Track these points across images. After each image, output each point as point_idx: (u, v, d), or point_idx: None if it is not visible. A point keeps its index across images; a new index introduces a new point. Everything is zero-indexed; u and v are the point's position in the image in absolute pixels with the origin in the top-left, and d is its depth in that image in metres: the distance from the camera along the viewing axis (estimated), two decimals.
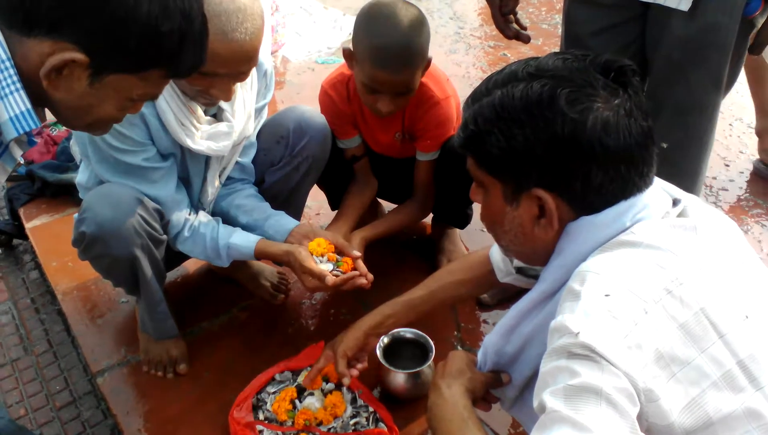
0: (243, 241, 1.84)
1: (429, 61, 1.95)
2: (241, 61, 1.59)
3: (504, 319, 1.29)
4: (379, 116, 2.01)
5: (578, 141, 1.07)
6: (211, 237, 1.85)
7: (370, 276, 1.82)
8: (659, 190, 1.16)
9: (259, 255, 1.85)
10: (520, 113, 1.09)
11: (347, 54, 1.94)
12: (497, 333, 1.31)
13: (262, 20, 1.60)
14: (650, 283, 1.01)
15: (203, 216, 1.90)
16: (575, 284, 1.04)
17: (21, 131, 1.08)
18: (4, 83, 1.05)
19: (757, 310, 1.05)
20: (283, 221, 1.92)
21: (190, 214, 1.86)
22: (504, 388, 1.34)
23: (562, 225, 1.14)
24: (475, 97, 1.18)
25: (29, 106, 1.08)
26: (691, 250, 1.06)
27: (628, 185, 1.10)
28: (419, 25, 1.85)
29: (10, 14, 1.04)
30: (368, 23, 1.87)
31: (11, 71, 1.05)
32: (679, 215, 1.14)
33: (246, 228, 1.92)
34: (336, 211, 2.45)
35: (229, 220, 1.95)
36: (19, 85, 1.06)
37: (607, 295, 1.00)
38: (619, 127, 1.07)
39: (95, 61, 1.07)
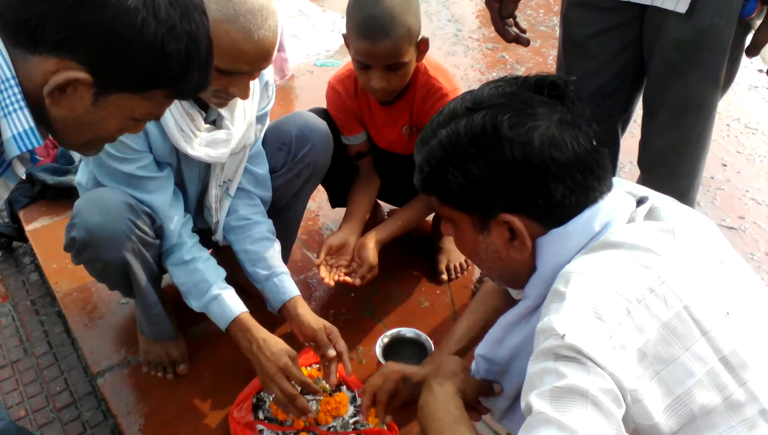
0: (230, 302, 1.81)
1: (424, 42, 1.97)
2: (264, 58, 1.60)
3: (492, 330, 1.31)
4: (376, 97, 2.05)
5: (530, 161, 1.10)
6: (203, 278, 1.81)
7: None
8: (621, 192, 1.18)
9: (231, 329, 1.80)
10: (469, 147, 1.13)
11: (345, 38, 1.99)
12: (486, 344, 1.33)
13: (278, 16, 1.61)
14: (633, 282, 1.02)
15: (206, 257, 1.86)
16: (560, 286, 1.05)
17: (24, 149, 1.07)
18: (8, 101, 1.04)
19: (738, 306, 1.05)
20: (282, 288, 1.89)
21: (189, 237, 1.85)
22: (495, 399, 1.35)
23: (533, 241, 1.16)
24: (423, 140, 1.22)
25: (33, 124, 1.07)
26: (672, 251, 1.07)
27: (589, 191, 1.13)
28: (403, 0, 1.89)
29: (15, 31, 1.03)
30: (355, 0, 1.93)
31: (15, 89, 1.04)
32: (648, 213, 1.16)
33: (249, 277, 1.94)
34: (336, 208, 2.48)
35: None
36: (23, 103, 1.05)
37: (591, 296, 1.00)
38: (565, 139, 1.11)
39: (100, 80, 1.07)
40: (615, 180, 1.22)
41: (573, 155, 1.11)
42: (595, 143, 1.13)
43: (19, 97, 1.05)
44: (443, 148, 1.17)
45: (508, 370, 1.30)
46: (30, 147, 1.07)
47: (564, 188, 1.11)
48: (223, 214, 1.96)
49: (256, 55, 1.56)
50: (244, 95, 1.64)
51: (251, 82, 1.66)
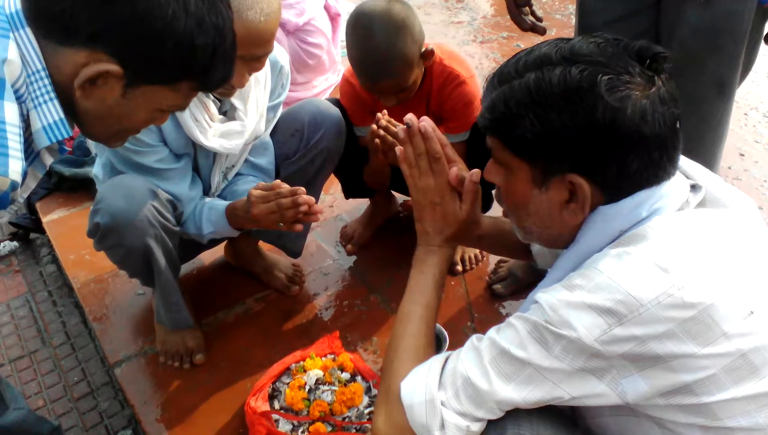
0: (219, 202, 1.87)
1: (429, 53, 1.95)
2: (254, 44, 1.56)
3: (523, 306, 1.30)
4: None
5: (617, 129, 1.05)
6: (200, 204, 1.87)
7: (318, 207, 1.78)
8: (678, 175, 1.15)
9: (230, 213, 1.82)
10: (559, 98, 1.07)
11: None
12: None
13: (278, 4, 1.59)
14: (648, 287, 0.99)
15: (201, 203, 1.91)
16: (578, 279, 1.04)
17: (54, 140, 1.09)
18: (38, 92, 1.05)
19: (765, 303, 1.03)
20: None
21: None
22: None
23: (592, 210, 1.13)
24: (503, 77, 1.14)
25: (62, 115, 1.08)
26: (702, 246, 1.04)
27: (660, 171, 1.10)
28: (396, 30, 1.83)
29: (48, 23, 1.04)
30: (350, 32, 1.90)
31: (46, 81, 1.05)
32: (699, 205, 1.13)
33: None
34: (350, 200, 2.49)
35: None
36: (53, 95, 1.07)
37: (602, 296, 1.00)
38: (655, 115, 1.06)
39: (130, 73, 1.08)
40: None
41: (658, 132, 1.06)
42: (678, 125, 1.10)
43: (49, 88, 1.06)
44: (529, 93, 1.10)
45: None
46: (60, 138, 1.09)
47: (640, 163, 1.07)
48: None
49: (242, 38, 1.52)
50: (240, 83, 1.63)
51: (260, 73, 1.65)
